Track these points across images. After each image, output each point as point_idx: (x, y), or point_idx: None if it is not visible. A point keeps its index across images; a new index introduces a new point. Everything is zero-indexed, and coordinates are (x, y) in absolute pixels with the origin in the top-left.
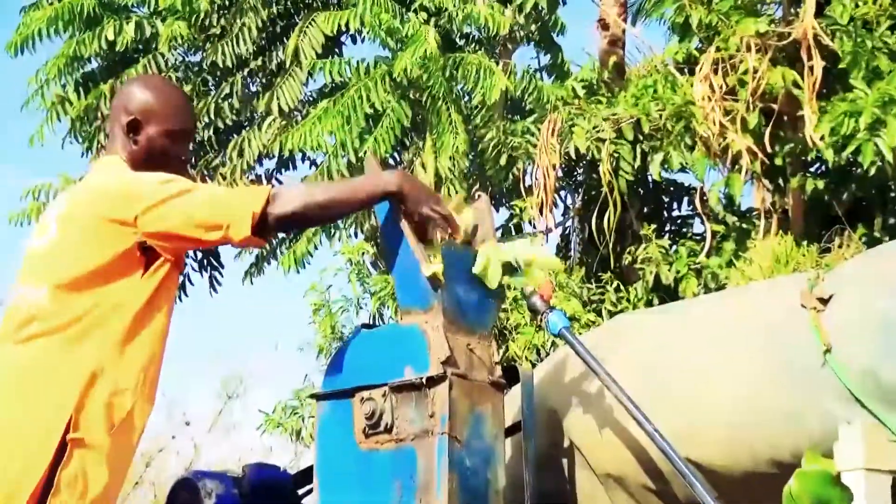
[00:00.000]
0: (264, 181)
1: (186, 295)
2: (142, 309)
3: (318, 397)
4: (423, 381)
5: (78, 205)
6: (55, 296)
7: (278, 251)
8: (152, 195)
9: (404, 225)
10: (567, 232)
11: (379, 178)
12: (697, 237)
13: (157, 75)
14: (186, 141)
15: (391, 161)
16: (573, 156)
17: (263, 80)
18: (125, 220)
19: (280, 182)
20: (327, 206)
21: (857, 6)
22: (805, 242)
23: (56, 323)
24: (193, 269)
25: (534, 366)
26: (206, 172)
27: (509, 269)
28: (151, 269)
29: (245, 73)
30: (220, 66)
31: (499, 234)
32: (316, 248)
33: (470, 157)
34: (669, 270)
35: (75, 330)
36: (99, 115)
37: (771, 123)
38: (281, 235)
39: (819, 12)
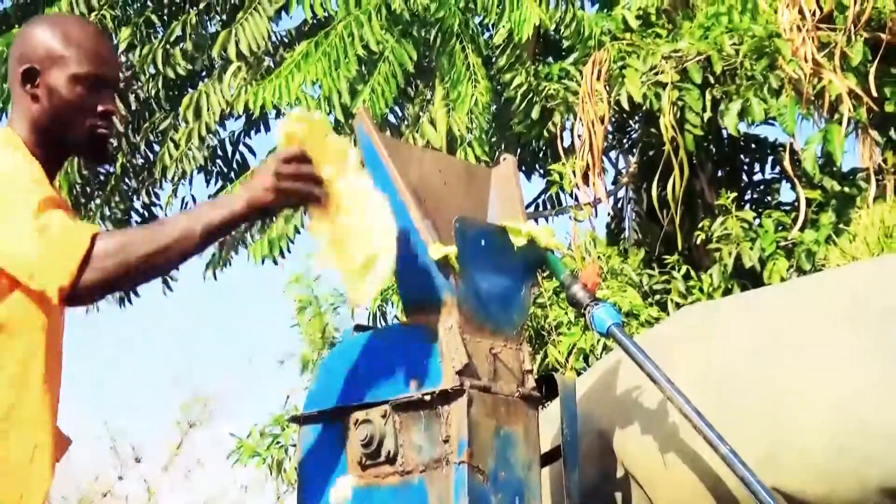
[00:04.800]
0: (228, 147)
1: (137, 295)
2: None
3: (300, 420)
4: (435, 396)
5: None
6: None
7: (248, 236)
8: None
9: (404, 193)
10: (620, 204)
11: (226, 199)
12: (787, 207)
13: (65, 14)
14: (105, 88)
15: (392, 118)
16: (625, 106)
17: (223, 19)
18: None
19: (249, 149)
20: (155, 257)
21: None
22: None
23: None
24: None
25: (579, 375)
26: (153, 138)
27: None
28: None
29: (200, 8)
30: (168, 0)
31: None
32: (297, 230)
33: (493, 109)
34: (752, 249)
35: None
36: None
37: (878, 58)
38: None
39: None
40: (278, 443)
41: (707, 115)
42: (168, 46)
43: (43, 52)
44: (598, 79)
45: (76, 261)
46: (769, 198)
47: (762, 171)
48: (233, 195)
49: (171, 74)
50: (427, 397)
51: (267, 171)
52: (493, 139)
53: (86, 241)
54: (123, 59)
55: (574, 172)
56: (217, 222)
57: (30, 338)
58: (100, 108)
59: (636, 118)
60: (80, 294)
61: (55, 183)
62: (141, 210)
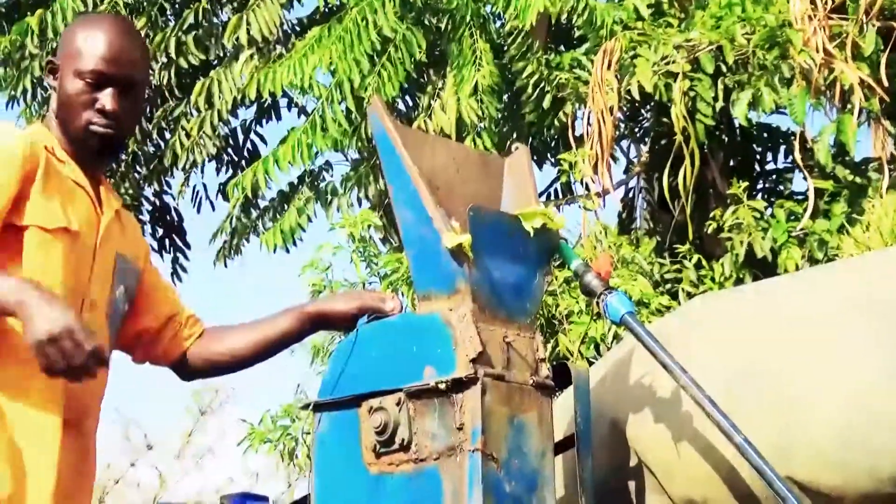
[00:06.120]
0: (240, 136)
1: None
2: None
3: (314, 408)
4: (448, 384)
5: None
6: None
7: (260, 224)
8: None
9: (419, 182)
10: (631, 193)
11: (19, 295)
12: (799, 196)
13: (106, 14)
14: (109, 86)
15: (402, 105)
16: (636, 96)
17: (235, 5)
18: None
19: (261, 138)
20: None
21: None
22: None
23: None
24: (154, 248)
25: (591, 363)
26: (164, 126)
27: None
28: None
29: None
30: None
31: (542, 198)
32: (309, 219)
33: (504, 98)
34: (764, 239)
35: None
36: (27, 54)
37: (890, 48)
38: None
39: None
40: (289, 434)
41: (719, 105)
42: (181, 35)
43: (65, 48)
44: (609, 68)
45: None
46: (781, 187)
47: (774, 160)
48: (31, 297)
49: (183, 63)
50: (441, 385)
51: (57, 326)
52: (505, 128)
53: None
54: None
55: (584, 161)
56: None
57: None
58: (97, 105)
59: (647, 108)
60: None
61: (103, 179)
62: (152, 198)
